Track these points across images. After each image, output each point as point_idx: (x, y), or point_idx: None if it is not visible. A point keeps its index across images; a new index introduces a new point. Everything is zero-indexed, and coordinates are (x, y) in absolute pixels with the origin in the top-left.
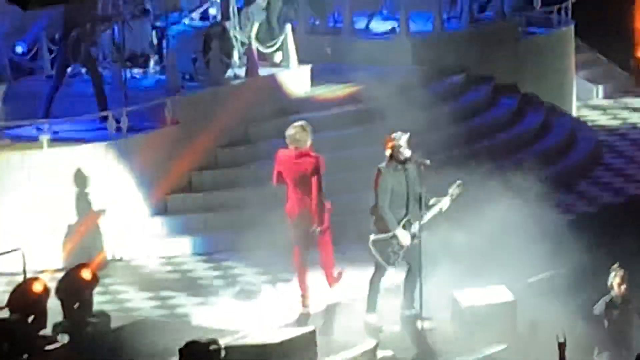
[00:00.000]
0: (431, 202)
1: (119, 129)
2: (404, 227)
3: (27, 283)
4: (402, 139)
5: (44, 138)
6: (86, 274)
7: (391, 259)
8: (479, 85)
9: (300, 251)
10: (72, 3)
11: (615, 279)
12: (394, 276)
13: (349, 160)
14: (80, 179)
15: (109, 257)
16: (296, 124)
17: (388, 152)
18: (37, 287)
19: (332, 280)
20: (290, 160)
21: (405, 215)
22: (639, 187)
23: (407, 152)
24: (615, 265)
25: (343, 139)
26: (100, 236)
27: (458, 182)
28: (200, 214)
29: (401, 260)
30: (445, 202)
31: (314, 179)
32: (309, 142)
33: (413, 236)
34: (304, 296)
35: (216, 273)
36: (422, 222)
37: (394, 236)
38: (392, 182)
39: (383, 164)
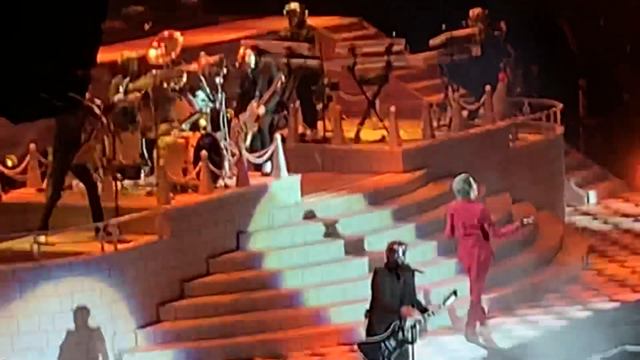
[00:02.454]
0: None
1: (110, 241)
2: (394, 331)
3: None
4: (400, 247)
5: (37, 250)
6: None
7: None
8: None
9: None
10: (64, 116)
11: None
12: None
13: None
14: (72, 291)
15: None
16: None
17: (386, 258)
18: None
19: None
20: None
21: (399, 321)
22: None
23: (403, 260)
24: None
25: None
26: (95, 349)
27: (453, 292)
28: (191, 322)
29: None
30: (435, 308)
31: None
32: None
33: (403, 341)
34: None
35: None
36: (418, 330)
37: (385, 340)
38: (388, 285)
39: (381, 267)
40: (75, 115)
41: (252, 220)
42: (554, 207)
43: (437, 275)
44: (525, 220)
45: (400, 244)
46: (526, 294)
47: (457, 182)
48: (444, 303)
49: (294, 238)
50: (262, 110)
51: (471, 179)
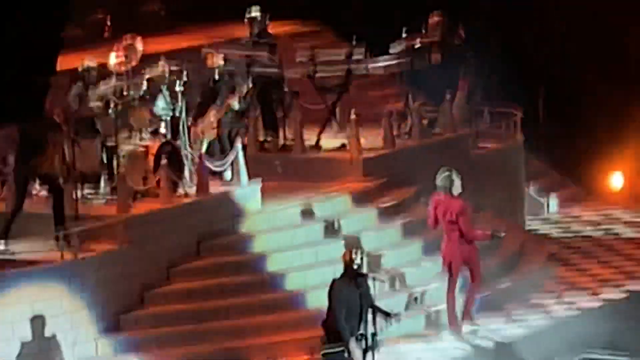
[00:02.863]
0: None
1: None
2: (357, 340)
3: None
4: (358, 254)
5: None
6: None
7: None
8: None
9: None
10: (26, 124)
11: None
12: None
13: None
14: (32, 299)
15: None
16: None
17: (343, 266)
18: None
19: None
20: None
21: (359, 328)
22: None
23: (362, 268)
24: None
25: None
26: (55, 357)
27: (414, 298)
28: (152, 330)
29: None
30: (397, 315)
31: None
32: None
33: (365, 350)
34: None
35: None
36: (377, 338)
37: (346, 349)
38: (347, 295)
39: (339, 277)
40: (36, 123)
41: (213, 228)
42: (514, 215)
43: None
44: (496, 232)
45: (357, 248)
46: (487, 301)
47: (439, 178)
48: (405, 309)
49: (260, 245)
50: (223, 115)
51: (454, 175)
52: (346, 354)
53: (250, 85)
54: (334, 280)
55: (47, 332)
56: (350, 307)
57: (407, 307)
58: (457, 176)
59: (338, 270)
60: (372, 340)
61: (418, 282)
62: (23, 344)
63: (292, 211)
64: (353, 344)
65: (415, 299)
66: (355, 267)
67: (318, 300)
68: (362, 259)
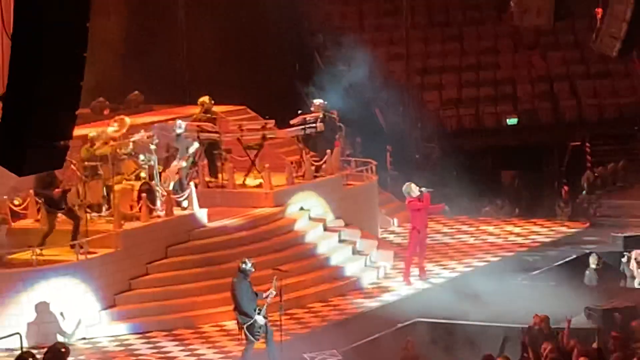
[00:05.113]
0: (265, 294)
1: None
2: (258, 313)
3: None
4: (248, 261)
5: (35, 260)
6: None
7: (256, 336)
8: None
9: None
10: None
11: None
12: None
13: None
14: (56, 286)
15: (76, 338)
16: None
17: (238, 270)
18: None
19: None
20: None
21: (256, 306)
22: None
23: (250, 267)
24: None
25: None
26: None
27: (275, 278)
28: (137, 305)
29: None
30: (272, 293)
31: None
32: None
33: (265, 318)
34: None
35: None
36: (264, 308)
37: (255, 321)
38: (244, 288)
39: (235, 278)
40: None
41: (177, 238)
42: (371, 228)
43: None
44: None
45: (247, 260)
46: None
47: (403, 188)
48: (274, 288)
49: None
50: (182, 164)
51: (410, 186)
52: (256, 324)
53: (199, 145)
54: (232, 281)
55: (66, 309)
56: (248, 295)
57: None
58: (415, 186)
59: None
60: (264, 312)
61: None
62: (49, 318)
63: (230, 225)
64: (258, 317)
65: (275, 279)
66: (246, 269)
67: None
68: (251, 264)
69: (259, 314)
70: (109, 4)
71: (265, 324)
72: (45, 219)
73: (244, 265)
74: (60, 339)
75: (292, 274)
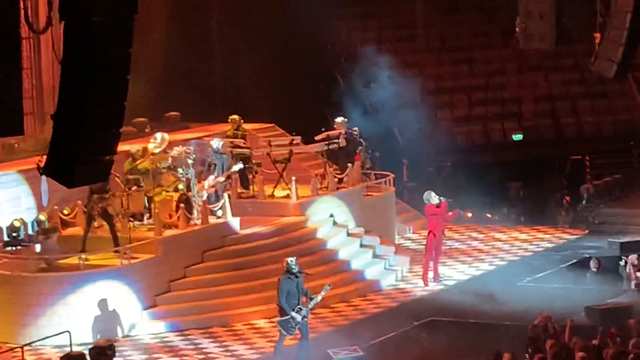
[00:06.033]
0: (313, 296)
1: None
2: (297, 311)
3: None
4: (291, 260)
5: (82, 263)
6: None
7: (290, 331)
8: None
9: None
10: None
11: None
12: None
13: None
14: (101, 289)
15: (121, 334)
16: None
17: (284, 268)
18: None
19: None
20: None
21: (297, 304)
22: None
23: (294, 268)
24: None
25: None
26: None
27: (328, 285)
28: (176, 306)
29: (296, 331)
30: (319, 297)
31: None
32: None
33: (303, 317)
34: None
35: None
36: (308, 308)
37: (291, 317)
38: (287, 286)
39: (281, 276)
40: (104, 184)
41: (211, 244)
42: (388, 235)
43: None
44: None
45: (291, 260)
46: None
47: (424, 195)
48: (323, 293)
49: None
50: (220, 180)
51: (430, 194)
52: (292, 320)
53: (242, 166)
54: (279, 279)
55: (111, 309)
56: (291, 293)
57: (323, 292)
58: (435, 194)
59: None
60: (306, 311)
61: None
62: (96, 318)
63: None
64: (294, 314)
65: (329, 284)
66: (290, 268)
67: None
68: (295, 263)
69: (299, 311)
70: (150, 32)
71: (304, 322)
72: (86, 224)
73: (286, 265)
74: (105, 335)
75: (316, 276)
